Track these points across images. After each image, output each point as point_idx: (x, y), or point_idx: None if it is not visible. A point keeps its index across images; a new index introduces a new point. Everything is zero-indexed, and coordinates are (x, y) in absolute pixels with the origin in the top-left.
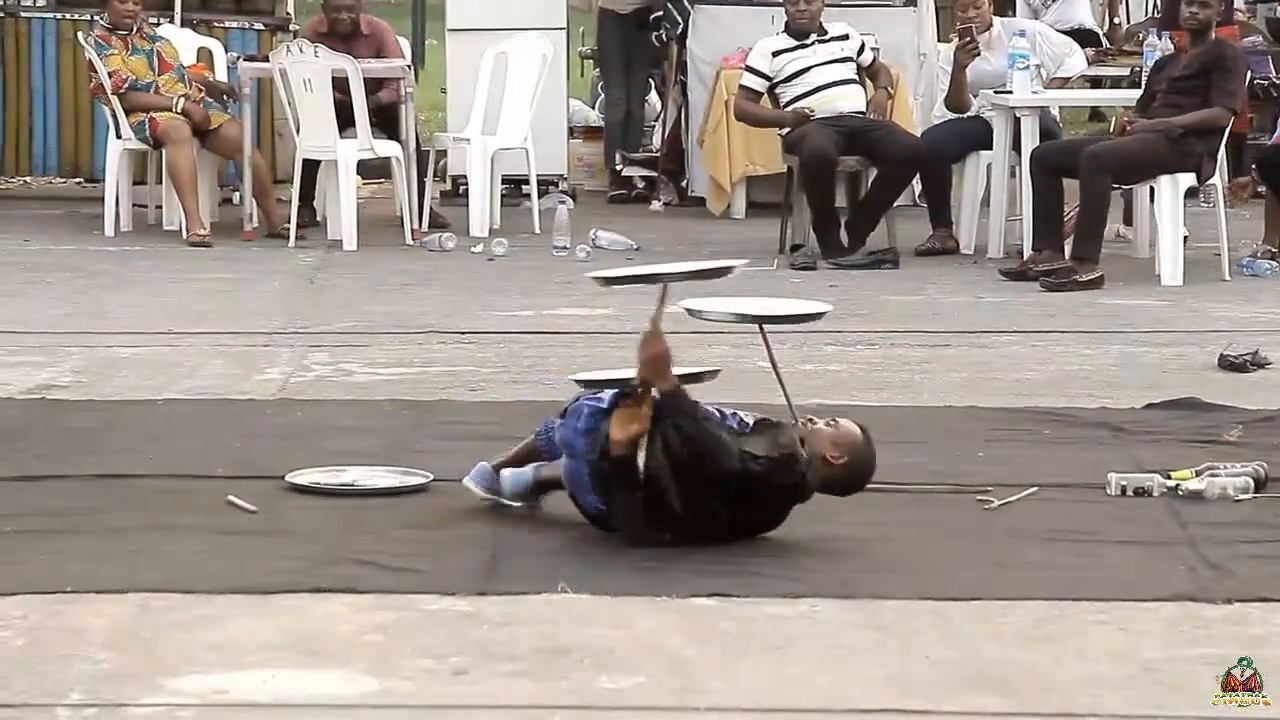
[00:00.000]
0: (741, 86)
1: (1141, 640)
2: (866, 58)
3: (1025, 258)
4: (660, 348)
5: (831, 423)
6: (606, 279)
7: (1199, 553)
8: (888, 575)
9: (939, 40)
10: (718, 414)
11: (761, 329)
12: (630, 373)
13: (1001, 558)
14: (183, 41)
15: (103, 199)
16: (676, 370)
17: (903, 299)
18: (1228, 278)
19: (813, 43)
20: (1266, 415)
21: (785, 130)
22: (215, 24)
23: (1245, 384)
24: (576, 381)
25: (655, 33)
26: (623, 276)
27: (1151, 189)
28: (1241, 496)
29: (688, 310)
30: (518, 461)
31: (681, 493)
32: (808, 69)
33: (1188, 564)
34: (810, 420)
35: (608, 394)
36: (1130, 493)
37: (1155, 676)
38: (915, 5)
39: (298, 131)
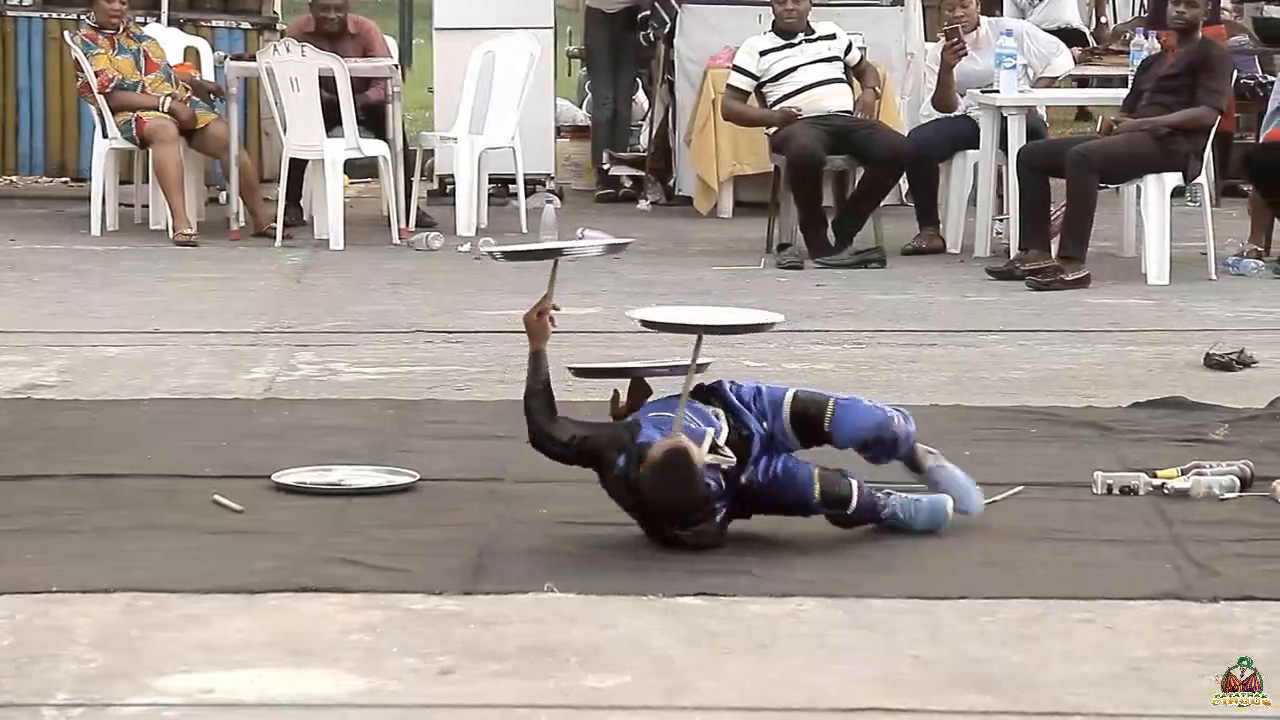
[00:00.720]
0: (729, 86)
1: (1127, 639)
2: (853, 57)
3: (1012, 257)
4: (531, 316)
5: (671, 436)
6: (505, 253)
7: (1185, 551)
8: (874, 574)
9: (926, 40)
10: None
11: (698, 340)
12: (628, 364)
13: (988, 556)
14: (169, 41)
15: (89, 198)
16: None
17: (889, 298)
18: (1214, 277)
19: (800, 42)
20: (1252, 414)
21: (772, 129)
22: (202, 23)
23: (1231, 383)
24: (571, 369)
25: (643, 32)
26: (521, 251)
27: (1138, 188)
28: (1227, 495)
29: (640, 321)
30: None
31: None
32: (795, 68)
33: (1173, 563)
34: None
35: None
36: (1116, 491)
37: (1141, 675)
38: (902, 5)
39: (284, 131)
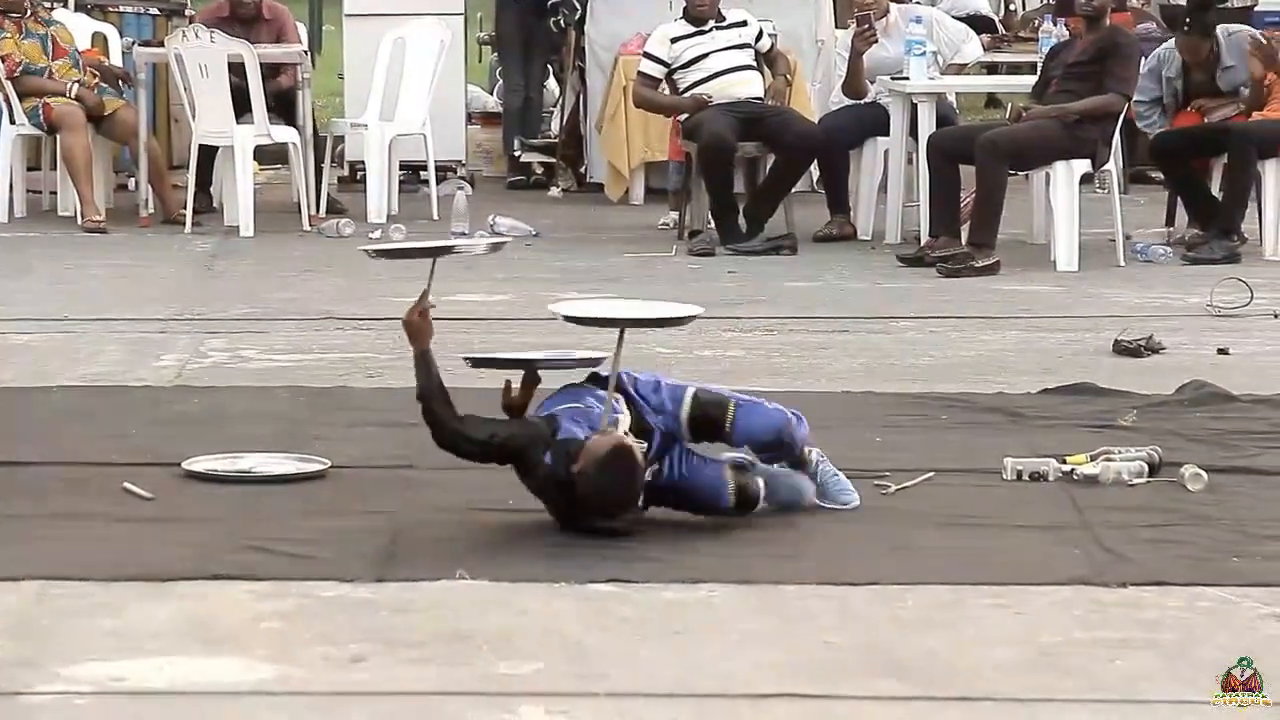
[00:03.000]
0: (639, 73)
1: (1038, 624)
2: (764, 44)
3: (922, 243)
4: (413, 316)
5: (605, 431)
6: (380, 252)
7: (1094, 537)
8: (785, 560)
9: (836, 27)
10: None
11: (620, 333)
12: (525, 354)
13: (899, 542)
14: (77, 26)
15: None
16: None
17: (801, 285)
18: (1122, 263)
19: (711, 29)
20: (1160, 400)
21: (683, 116)
22: (110, 9)
23: (1140, 369)
24: (466, 359)
25: (553, 19)
26: (398, 249)
27: (1047, 175)
28: (1136, 481)
29: (563, 316)
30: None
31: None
32: (706, 55)
33: (1083, 548)
34: (610, 427)
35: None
36: (1026, 477)
37: (1052, 660)
38: None
39: (194, 117)
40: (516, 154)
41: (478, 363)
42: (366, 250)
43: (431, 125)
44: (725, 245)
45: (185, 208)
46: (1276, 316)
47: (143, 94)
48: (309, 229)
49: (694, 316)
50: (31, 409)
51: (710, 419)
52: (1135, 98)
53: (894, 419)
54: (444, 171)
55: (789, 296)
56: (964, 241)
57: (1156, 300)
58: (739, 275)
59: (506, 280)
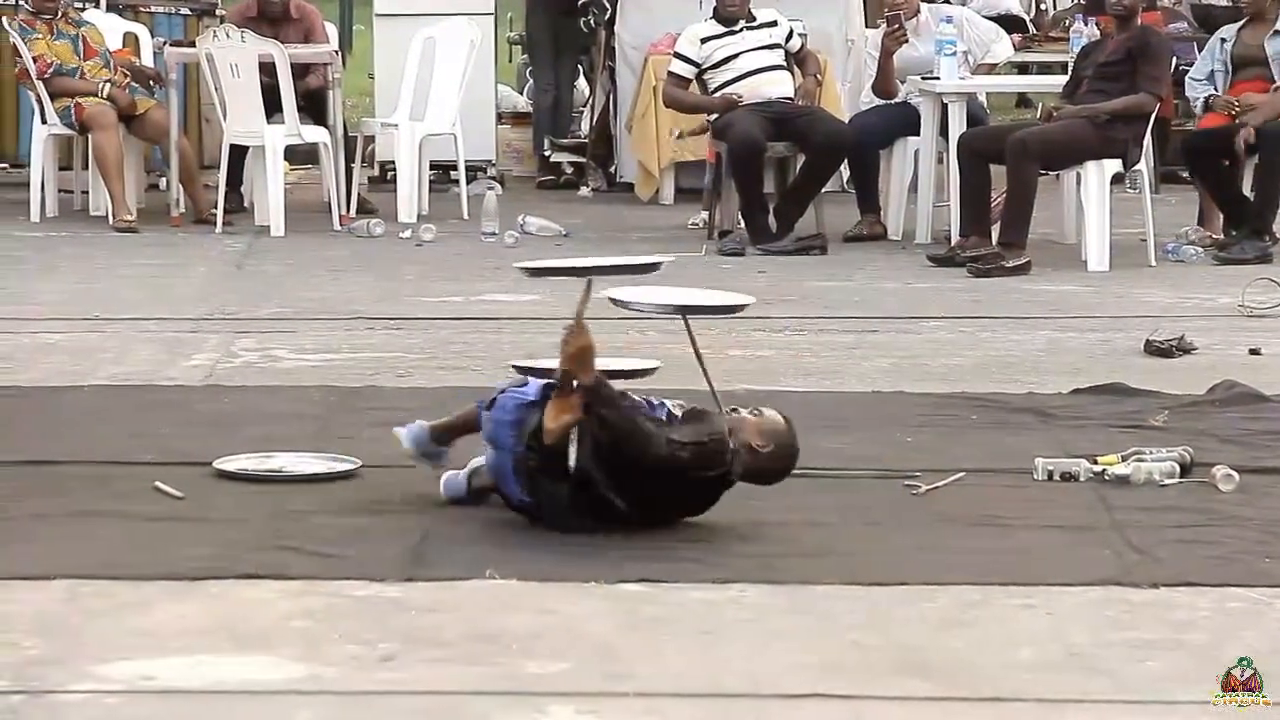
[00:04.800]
0: (670, 73)
1: (1067, 624)
2: (794, 44)
3: (952, 243)
4: (583, 341)
5: (756, 412)
6: (533, 269)
7: (1125, 537)
8: (814, 560)
9: (867, 26)
10: (646, 404)
11: (685, 319)
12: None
13: (928, 542)
14: (108, 26)
15: (28, 184)
16: (618, 364)
17: (830, 285)
18: (1153, 263)
19: (741, 29)
20: (1192, 400)
21: (713, 116)
22: (141, 9)
23: (1171, 369)
24: (515, 367)
25: (584, 18)
26: (549, 268)
27: (1078, 175)
28: (1167, 481)
29: (612, 300)
30: (454, 428)
31: (611, 481)
32: (736, 55)
33: (1114, 548)
34: (735, 410)
35: (532, 386)
36: (1057, 478)
37: (1080, 661)
38: None
39: (225, 117)
40: (546, 154)
41: (535, 272)
42: (522, 268)
43: (462, 125)
44: (755, 245)
45: (216, 207)
46: None
47: (174, 94)
48: (339, 229)
49: (744, 305)
50: (62, 408)
51: None
52: (1190, 74)
53: (924, 419)
54: (474, 171)
55: (819, 296)
56: (994, 241)
57: (1188, 300)
58: (769, 275)
59: (535, 281)
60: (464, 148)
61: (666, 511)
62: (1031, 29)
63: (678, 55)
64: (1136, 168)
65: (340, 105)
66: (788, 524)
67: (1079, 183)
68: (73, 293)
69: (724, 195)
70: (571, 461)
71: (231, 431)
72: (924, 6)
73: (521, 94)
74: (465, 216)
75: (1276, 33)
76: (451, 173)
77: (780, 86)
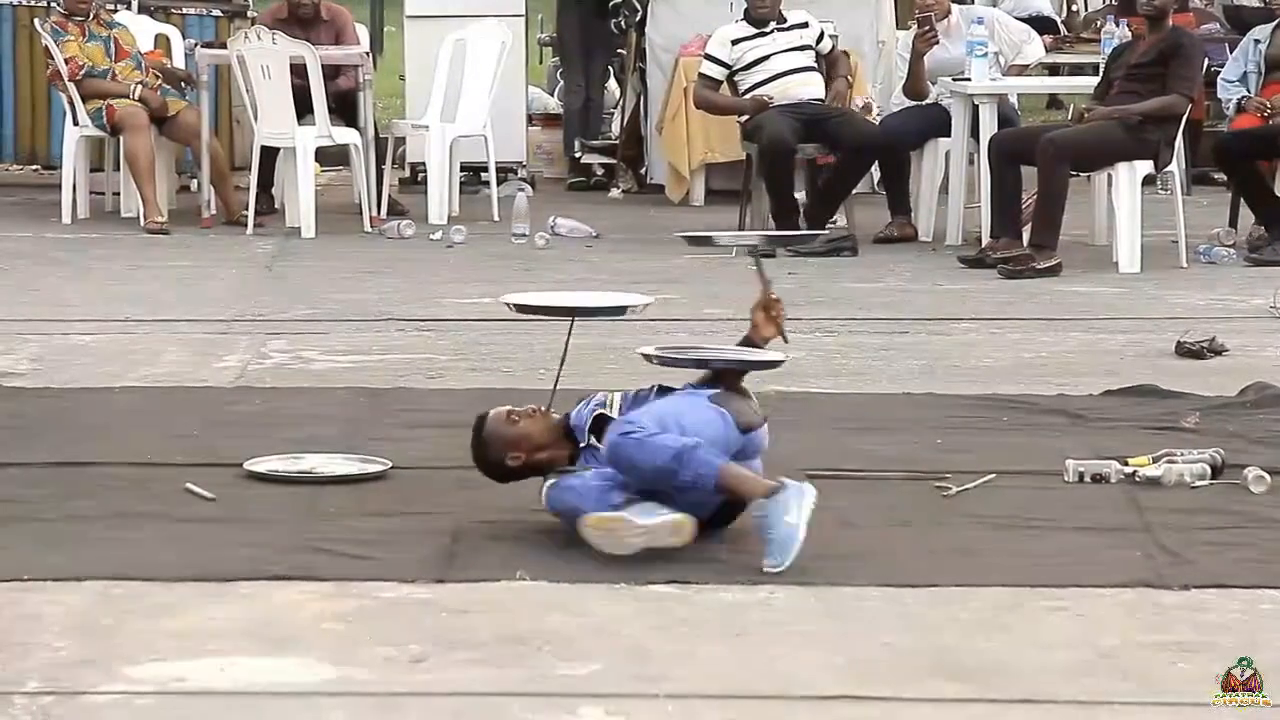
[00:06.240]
0: (700, 74)
1: (1099, 627)
2: (825, 45)
3: (983, 245)
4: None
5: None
6: (658, 358)
7: (1156, 539)
8: (845, 562)
9: (897, 27)
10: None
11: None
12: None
13: (959, 544)
14: (140, 28)
15: (60, 186)
16: (747, 355)
17: (861, 286)
18: (1185, 265)
19: (772, 30)
20: (1223, 402)
21: (744, 117)
22: (173, 10)
23: (1202, 371)
24: (682, 237)
25: (614, 20)
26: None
27: (1109, 176)
28: (1199, 483)
29: (513, 306)
30: None
31: None
32: (767, 57)
33: (1145, 551)
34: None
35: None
36: (1088, 479)
37: (1112, 663)
38: None
39: (256, 118)
40: (577, 155)
41: (664, 361)
42: (685, 236)
43: (492, 126)
44: (786, 247)
45: (247, 209)
46: None
47: (205, 95)
48: (370, 230)
49: (643, 305)
50: (94, 410)
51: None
52: (1222, 75)
53: (955, 421)
54: (505, 173)
55: (849, 297)
56: (1025, 243)
57: (1219, 302)
58: (799, 276)
59: (565, 281)
60: (494, 149)
61: None
62: (1063, 30)
63: (708, 57)
64: (1168, 169)
65: (371, 107)
66: (818, 525)
67: (1110, 184)
68: (104, 294)
69: (754, 196)
70: None
71: (262, 432)
72: (955, 8)
73: (552, 95)
74: (496, 218)
75: None
76: (482, 174)
77: (811, 88)
